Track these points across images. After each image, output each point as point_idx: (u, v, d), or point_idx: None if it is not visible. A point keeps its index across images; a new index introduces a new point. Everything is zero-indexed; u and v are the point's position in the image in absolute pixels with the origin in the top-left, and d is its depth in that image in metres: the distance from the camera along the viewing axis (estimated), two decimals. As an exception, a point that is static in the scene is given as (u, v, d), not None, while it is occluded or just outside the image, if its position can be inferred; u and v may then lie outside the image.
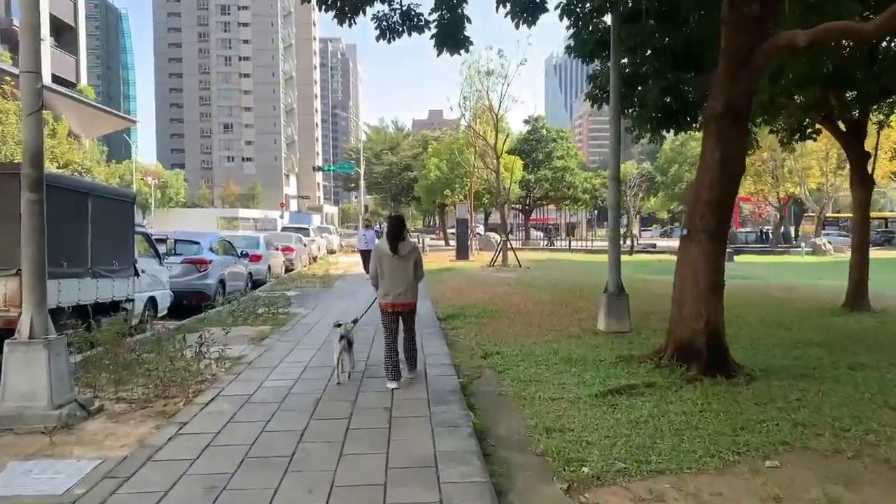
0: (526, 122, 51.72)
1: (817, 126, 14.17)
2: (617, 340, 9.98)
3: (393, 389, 7.02)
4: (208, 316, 12.23)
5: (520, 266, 23.95)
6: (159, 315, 12.02)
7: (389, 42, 10.46)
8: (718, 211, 7.94)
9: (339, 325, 7.58)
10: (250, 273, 17.44)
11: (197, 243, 14.53)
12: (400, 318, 7.41)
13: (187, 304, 13.40)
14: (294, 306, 13.96)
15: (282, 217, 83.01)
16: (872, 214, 66.63)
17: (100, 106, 42.27)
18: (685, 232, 8.17)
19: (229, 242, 16.42)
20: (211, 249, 14.73)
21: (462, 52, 9.45)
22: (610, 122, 10.97)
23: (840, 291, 18.78)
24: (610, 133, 10.99)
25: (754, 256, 37.26)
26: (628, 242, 57.62)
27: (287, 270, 24.11)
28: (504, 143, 27.59)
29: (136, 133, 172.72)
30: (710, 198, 7.90)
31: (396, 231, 7.29)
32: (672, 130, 13.65)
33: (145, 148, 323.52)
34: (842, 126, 13.79)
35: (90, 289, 9.26)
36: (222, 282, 14.80)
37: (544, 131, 51.46)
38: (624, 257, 36.34)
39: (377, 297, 7.44)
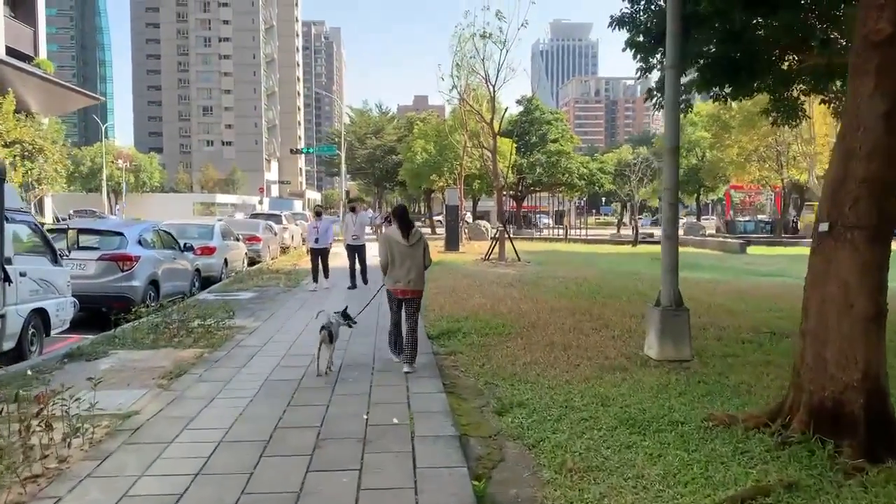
0: (518, 102, 48.46)
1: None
2: (683, 378, 7.06)
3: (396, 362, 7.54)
4: (121, 333, 9.13)
5: (518, 260, 20.95)
6: (55, 331, 8.94)
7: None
8: (883, 194, 4.97)
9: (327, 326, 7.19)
10: (198, 270, 14.32)
11: (120, 234, 11.38)
12: (404, 304, 7.49)
13: (107, 312, 10.32)
14: (242, 316, 10.87)
15: (260, 203, 79.67)
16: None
17: (59, 81, 38.70)
18: (825, 228, 5.16)
19: (168, 233, 13.27)
20: (140, 242, 11.58)
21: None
22: (666, 69, 7.96)
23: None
24: (666, 87, 8.00)
25: (766, 248, 34.51)
26: (622, 232, 54.97)
27: (252, 263, 21.00)
28: (502, 119, 24.45)
29: (112, 115, 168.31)
30: (868, 174, 4.92)
31: (406, 219, 7.56)
32: (728, 89, 10.74)
33: (123, 131, 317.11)
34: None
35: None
36: (154, 283, 11.68)
37: (538, 112, 48.16)
38: (626, 248, 33.53)
39: (384, 284, 7.62)
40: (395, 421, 5.53)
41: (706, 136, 55.67)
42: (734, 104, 44.65)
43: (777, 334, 9.63)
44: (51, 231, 11.05)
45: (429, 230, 47.58)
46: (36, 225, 8.92)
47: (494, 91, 21.31)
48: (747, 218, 61.55)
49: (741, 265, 21.72)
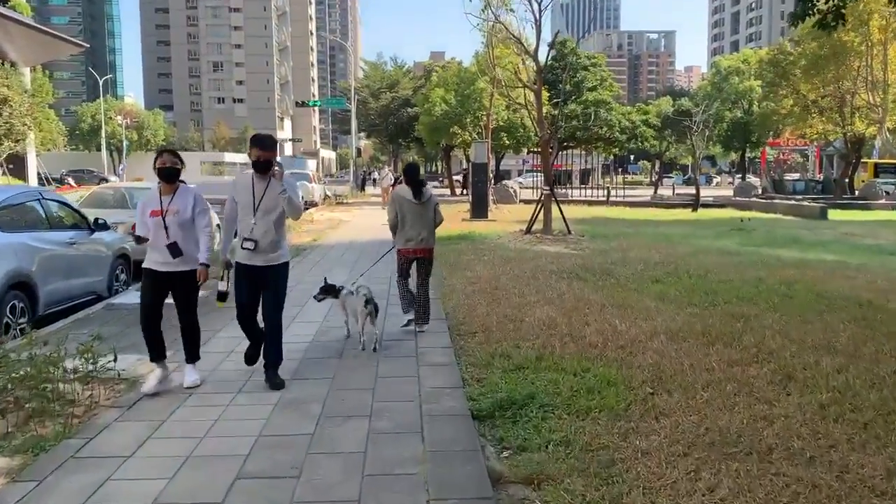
0: (550, 45, 42.95)
1: None
2: None
3: (410, 320, 7.15)
4: None
5: (569, 233, 16.25)
6: None
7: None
8: None
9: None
10: (124, 256, 9.81)
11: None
12: (416, 264, 7.26)
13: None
14: (137, 349, 6.38)
15: (271, 162, 74.90)
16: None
17: (34, 24, 34.02)
18: None
19: (65, 204, 8.75)
20: (-5, 221, 7.09)
21: None
22: None
23: None
24: None
25: (843, 212, 29.40)
26: (660, 192, 49.50)
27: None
28: (549, 51, 19.50)
29: (121, 73, 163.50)
30: None
31: (418, 177, 7.30)
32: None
33: (134, 89, 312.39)
34: None
35: None
36: (24, 286, 7.22)
37: (573, 57, 42.66)
38: (684, 213, 28.47)
39: (395, 244, 7.33)
40: None
41: (755, 85, 50.04)
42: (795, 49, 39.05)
43: None
44: None
45: (447, 191, 42.44)
46: None
47: (541, 12, 16.40)
48: (797, 176, 56.02)
49: (854, 240, 16.90)
